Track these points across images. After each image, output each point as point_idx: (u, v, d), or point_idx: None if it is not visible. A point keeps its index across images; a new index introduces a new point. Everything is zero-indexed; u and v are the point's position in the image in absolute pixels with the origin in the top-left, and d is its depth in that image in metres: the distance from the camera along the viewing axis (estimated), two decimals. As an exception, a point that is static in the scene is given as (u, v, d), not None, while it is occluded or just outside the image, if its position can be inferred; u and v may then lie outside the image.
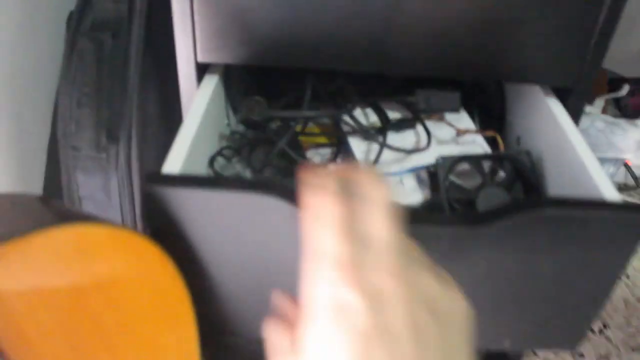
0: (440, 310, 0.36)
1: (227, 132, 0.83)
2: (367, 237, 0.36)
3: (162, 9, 0.76)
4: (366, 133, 0.82)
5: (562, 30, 0.74)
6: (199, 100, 0.72)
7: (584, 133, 1.31)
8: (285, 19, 0.73)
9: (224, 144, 0.81)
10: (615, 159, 1.40)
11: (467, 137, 0.83)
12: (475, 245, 0.55)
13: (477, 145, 0.82)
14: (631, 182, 1.60)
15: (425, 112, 0.85)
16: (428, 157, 0.79)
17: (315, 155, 0.84)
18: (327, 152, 0.85)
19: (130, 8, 0.98)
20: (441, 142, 0.83)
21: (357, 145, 0.82)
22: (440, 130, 0.84)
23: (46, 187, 1.05)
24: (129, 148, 0.96)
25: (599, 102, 1.42)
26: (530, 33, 0.74)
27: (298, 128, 0.84)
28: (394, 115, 0.87)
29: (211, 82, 0.79)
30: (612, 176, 1.46)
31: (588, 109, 1.40)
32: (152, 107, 1.00)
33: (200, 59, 0.77)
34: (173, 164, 0.60)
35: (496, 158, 0.77)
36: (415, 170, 0.79)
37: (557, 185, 0.73)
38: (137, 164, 0.97)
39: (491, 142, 0.83)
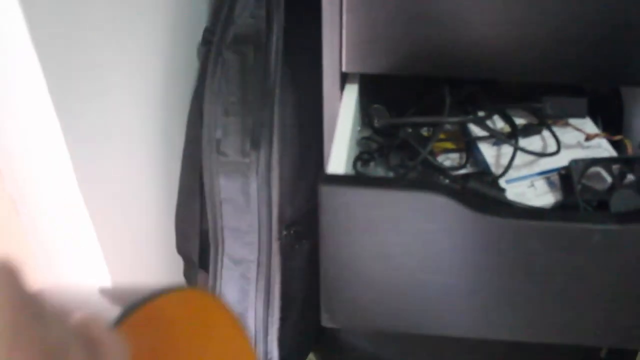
0: None
1: (358, 137, 0.83)
2: None
3: (300, 22, 0.84)
4: (495, 138, 0.81)
5: None
6: (346, 108, 0.73)
7: None
8: (428, 30, 0.71)
9: (357, 149, 0.81)
10: None
11: (593, 142, 0.80)
12: (624, 243, 0.56)
13: (604, 149, 0.80)
14: None
15: (551, 117, 0.82)
16: (557, 161, 0.78)
17: (446, 160, 0.82)
18: (456, 157, 0.83)
19: (268, 23, 0.98)
20: (568, 147, 0.81)
21: (487, 150, 0.80)
22: (566, 135, 0.81)
23: (181, 190, 1.05)
24: (269, 154, 0.96)
25: None
26: None
27: (427, 134, 0.84)
28: (519, 121, 0.84)
29: (353, 90, 0.79)
30: None
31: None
32: (290, 117, 1.00)
33: (345, 68, 0.75)
34: (336, 166, 0.61)
35: (626, 161, 0.75)
36: (545, 174, 0.77)
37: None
38: (276, 169, 0.97)
39: (614, 146, 0.82)
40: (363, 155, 0.79)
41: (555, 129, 0.82)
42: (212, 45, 0.98)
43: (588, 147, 0.81)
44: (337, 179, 0.54)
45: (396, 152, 0.80)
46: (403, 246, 0.57)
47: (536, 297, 0.63)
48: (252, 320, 1.06)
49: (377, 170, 0.78)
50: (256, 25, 0.98)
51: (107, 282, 0.81)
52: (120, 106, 0.83)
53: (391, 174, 0.78)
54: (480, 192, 0.72)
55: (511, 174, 0.77)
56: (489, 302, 0.63)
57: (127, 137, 0.87)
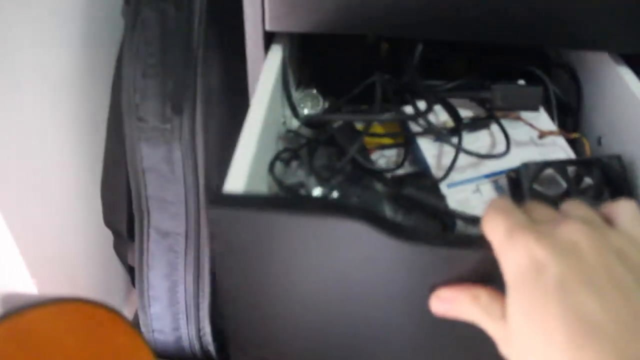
0: (633, 262, 0.32)
1: (282, 130, 0.69)
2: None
3: None
4: (437, 134, 0.66)
5: None
6: (263, 91, 0.61)
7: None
8: None
9: (281, 144, 0.67)
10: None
11: (548, 139, 0.67)
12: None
13: (559, 147, 0.66)
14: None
15: (501, 109, 0.69)
16: (507, 161, 0.64)
17: (381, 158, 0.68)
18: (393, 153, 0.69)
19: None
20: (519, 144, 0.67)
21: (427, 147, 0.66)
22: (517, 130, 0.68)
23: (106, 160, 0.95)
24: (193, 120, 0.86)
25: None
26: None
27: (361, 127, 0.69)
28: (466, 113, 0.70)
29: (276, 57, 0.69)
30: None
31: None
32: (215, 79, 0.89)
33: (268, 27, 0.67)
34: (238, 172, 0.49)
35: (583, 163, 0.62)
36: (493, 176, 0.63)
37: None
38: (201, 136, 0.87)
39: (571, 144, 0.68)
40: (283, 154, 0.63)
41: (506, 122, 0.68)
42: (131, 3, 0.86)
43: (542, 144, 0.67)
44: (226, 200, 0.39)
45: (327, 147, 0.65)
46: (312, 277, 0.43)
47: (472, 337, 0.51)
48: (182, 294, 0.96)
49: (297, 173, 0.62)
50: None
51: (23, 266, 0.72)
52: (34, 71, 0.74)
53: (313, 179, 0.62)
54: (417, 200, 0.58)
55: (454, 176, 0.63)
56: (418, 341, 0.50)
57: (41, 105, 0.77)
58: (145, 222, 0.92)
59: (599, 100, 0.70)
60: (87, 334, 0.45)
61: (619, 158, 0.61)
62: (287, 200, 0.42)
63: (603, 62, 0.69)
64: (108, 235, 1.00)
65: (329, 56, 0.82)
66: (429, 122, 0.66)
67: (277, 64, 0.67)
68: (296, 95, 0.78)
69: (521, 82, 0.71)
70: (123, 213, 0.95)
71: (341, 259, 0.41)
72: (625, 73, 0.65)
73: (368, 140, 0.68)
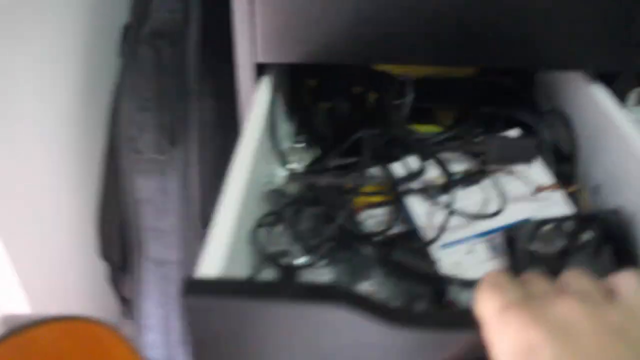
0: (634, 338, 0.30)
1: (267, 188, 0.63)
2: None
3: (218, 16, 0.71)
4: (428, 193, 0.61)
5: (605, 12, 0.63)
6: (249, 135, 0.59)
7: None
8: (345, 15, 0.64)
9: (264, 204, 0.61)
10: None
11: (544, 192, 0.62)
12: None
13: (556, 201, 0.61)
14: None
15: (495, 163, 0.64)
16: (502, 218, 0.59)
17: (370, 218, 0.62)
18: (382, 212, 0.63)
19: (186, 16, 0.88)
20: (514, 199, 0.61)
21: (418, 207, 0.60)
22: (512, 184, 0.63)
23: (102, 192, 0.95)
24: (187, 151, 0.87)
25: (631, 97, 1.24)
26: (575, 19, 0.64)
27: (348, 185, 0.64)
28: (457, 166, 0.65)
29: (265, 95, 0.68)
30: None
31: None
32: (209, 111, 0.89)
33: (260, 58, 0.67)
34: (215, 252, 0.46)
35: (581, 219, 0.57)
36: (487, 235, 0.58)
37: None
38: (196, 167, 0.87)
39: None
40: (266, 218, 0.57)
41: (500, 176, 0.63)
42: (128, 41, 0.89)
43: (538, 198, 0.62)
44: (198, 287, 0.36)
45: (313, 207, 0.60)
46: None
47: None
48: (176, 323, 0.95)
49: (280, 241, 0.57)
50: (173, 19, 0.88)
51: (22, 296, 0.73)
52: (34, 110, 0.76)
53: (298, 246, 0.57)
54: (407, 266, 0.54)
55: (447, 236, 0.58)
56: None
57: (40, 138, 0.79)
58: (140, 252, 0.91)
59: (595, 148, 0.66)
60: (88, 350, 0.45)
61: (617, 212, 0.57)
62: (263, 286, 0.39)
63: (598, 108, 0.65)
64: (102, 267, 0.99)
65: (317, 107, 0.79)
66: (416, 178, 0.62)
67: (265, 106, 0.65)
68: (283, 147, 0.74)
69: (514, 132, 0.67)
70: (117, 244, 0.94)
71: (324, 346, 0.38)
72: (622, 121, 0.61)
73: (356, 199, 0.64)
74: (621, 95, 0.70)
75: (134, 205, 0.90)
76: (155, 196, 0.89)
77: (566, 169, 0.68)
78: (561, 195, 0.61)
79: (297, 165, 0.71)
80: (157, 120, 0.87)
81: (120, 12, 0.92)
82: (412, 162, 0.64)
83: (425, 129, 0.76)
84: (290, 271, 0.54)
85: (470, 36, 0.66)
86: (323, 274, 0.55)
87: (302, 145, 0.74)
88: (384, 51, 0.67)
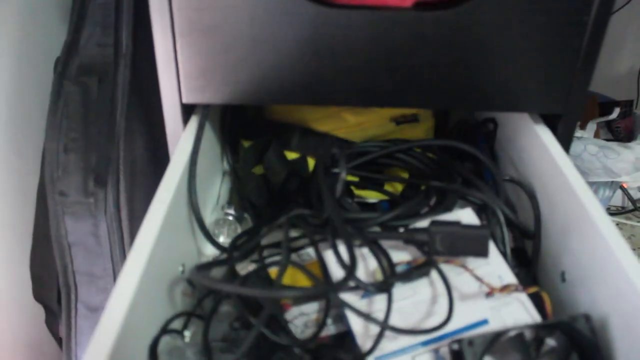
0: None
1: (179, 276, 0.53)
2: None
3: (148, 51, 0.64)
4: (364, 289, 0.52)
5: (546, 56, 0.63)
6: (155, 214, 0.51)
7: (577, 159, 1.12)
8: (269, 56, 0.63)
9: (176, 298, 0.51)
10: (610, 182, 1.22)
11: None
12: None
13: (515, 301, 0.51)
14: (629, 204, 1.42)
15: (441, 254, 0.54)
16: (449, 323, 0.49)
17: (299, 317, 0.53)
18: (314, 309, 0.53)
19: (116, 51, 0.82)
20: (465, 297, 0.52)
21: (352, 305, 0.50)
22: (462, 278, 0.53)
23: (35, 234, 0.88)
24: (117, 192, 0.81)
25: (591, 126, 1.22)
26: (516, 62, 0.63)
27: (273, 273, 0.55)
28: (400, 256, 0.55)
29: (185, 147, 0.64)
30: (608, 200, 1.28)
31: (580, 133, 1.21)
32: (139, 150, 0.84)
33: (185, 99, 0.65)
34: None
35: (544, 327, 0.48)
36: (432, 343, 0.48)
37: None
38: (126, 208, 0.82)
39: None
40: (173, 322, 0.47)
41: (450, 269, 0.54)
42: (54, 78, 0.82)
43: (494, 297, 0.52)
44: None
45: (235, 301, 0.49)
46: None
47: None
48: None
49: (187, 355, 0.45)
50: (102, 54, 0.83)
51: None
52: None
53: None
54: None
55: (385, 345, 0.48)
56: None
57: None
58: (73, 297, 0.86)
59: (560, 225, 0.58)
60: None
61: (587, 318, 0.47)
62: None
63: (560, 183, 0.57)
64: (39, 310, 0.93)
65: (250, 172, 0.72)
66: (351, 271, 0.51)
67: (184, 164, 0.60)
68: (210, 218, 0.67)
69: (466, 214, 0.58)
70: (53, 287, 0.88)
71: None
72: (589, 201, 0.53)
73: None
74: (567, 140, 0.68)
75: (65, 248, 0.84)
76: (87, 239, 0.83)
77: (528, 247, 0.61)
78: (522, 295, 0.52)
79: (224, 239, 0.64)
80: (82, 161, 0.81)
81: (58, 43, 0.85)
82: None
83: (371, 195, 0.71)
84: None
85: (408, 78, 0.64)
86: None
87: (231, 216, 0.66)
88: (309, 92, 0.65)
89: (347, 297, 0.52)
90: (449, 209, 0.61)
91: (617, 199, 1.42)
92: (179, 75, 0.65)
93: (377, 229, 0.60)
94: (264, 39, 0.63)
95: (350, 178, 0.72)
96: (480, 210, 0.62)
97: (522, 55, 0.63)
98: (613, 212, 1.42)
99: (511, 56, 0.63)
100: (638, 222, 1.40)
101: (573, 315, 0.48)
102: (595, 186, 1.19)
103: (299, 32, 0.62)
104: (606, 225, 0.49)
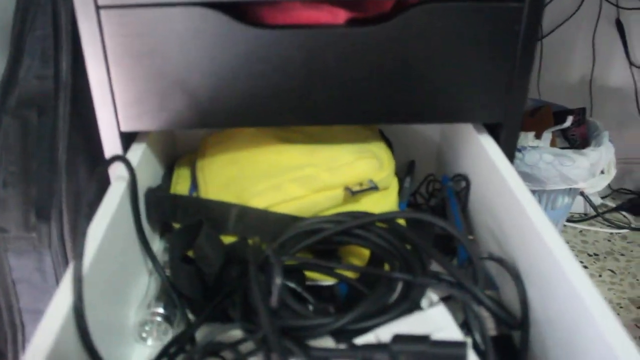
0: None
1: None
2: None
3: (87, 81, 0.63)
4: None
5: (481, 66, 0.63)
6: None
7: (534, 168, 1.12)
8: (201, 81, 0.62)
9: None
10: (568, 189, 1.22)
11: None
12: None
13: None
14: (591, 211, 1.43)
15: None
16: None
17: None
18: None
19: (56, 83, 0.80)
20: None
21: None
22: None
23: None
24: (61, 225, 0.79)
25: (547, 136, 1.22)
26: (452, 73, 0.63)
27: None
28: None
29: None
30: (568, 207, 1.28)
31: (536, 143, 1.21)
32: (83, 181, 0.81)
33: (123, 127, 0.65)
34: None
35: None
36: None
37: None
38: (70, 241, 0.79)
39: None
40: None
41: None
42: None
43: None
44: None
45: None
46: None
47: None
48: None
49: None
50: (42, 87, 0.81)
51: None
52: None
53: None
54: None
55: None
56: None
57: None
58: (20, 337, 0.82)
59: (550, 314, 0.49)
60: None
61: None
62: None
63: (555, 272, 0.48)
64: None
65: (182, 266, 0.61)
66: None
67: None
68: (135, 317, 0.59)
69: (435, 310, 0.49)
70: (1, 329, 0.83)
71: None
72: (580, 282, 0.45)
73: None
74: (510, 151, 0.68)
75: (10, 286, 0.80)
76: (32, 275, 0.80)
77: (511, 343, 0.53)
78: None
79: (153, 342, 0.58)
80: (22, 196, 0.78)
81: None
82: None
83: (326, 278, 0.62)
84: None
85: (345, 94, 0.63)
86: None
87: (160, 316, 0.58)
88: (246, 114, 0.64)
89: None
90: (416, 303, 0.51)
91: (579, 206, 1.42)
92: (115, 103, 0.64)
93: (329, 340, 0.50)
94: (197, 63, 0.61)
95: (301, 257, 0.63)
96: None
97: (457, 66, 0.62)
98: (576, 219, 1.43)
99: (445, 67, 0.62)
100: (601, 227, 1.40)
101: None
102: (554, 195, 1.19)
103: (231, 55, 0.61)
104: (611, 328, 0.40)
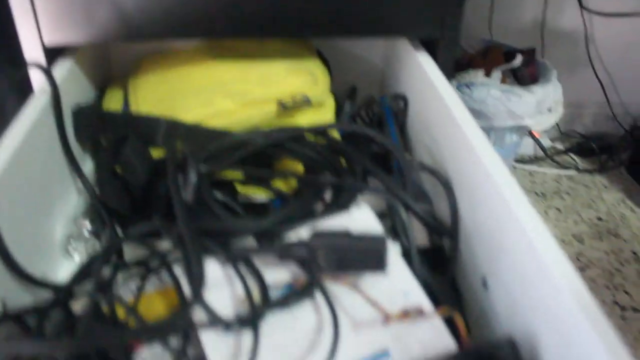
0: None
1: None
2: None
3: None
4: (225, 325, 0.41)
5: None
6: None
7: (482, 104, 1.12)
8: None
9: None
10: (517, 127, 1.22)
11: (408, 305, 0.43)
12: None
13: (422, 325, 0.42)
14: (541, 153, 1.44)
15: (329, 272, 0.45)
16: (343, 357, 0.40)
17: (150, 358, 0.42)
18: (170, 348, 0.43)
19: None
20: (361, 324, 0.42)
21: (215, 344, 0.41)
22: (357, 301, 0.44)
23: None
24: None
25: (496, 74, 1.22)
26: None
27: (122, 310, 0.44)
28: (276, 275, 0.45)
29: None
30: (517, 146, 1.29)
31: (486, 80, 1.21)
32: (9, 100, 0.78)
33: (47, 40, 0.62)
34: None
35: (461, 358, 0.40)
36: None
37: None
38: None
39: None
40: None
41: (341, 290, 0.45)
42: None
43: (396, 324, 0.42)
44: None
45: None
46: None
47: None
48: None
49: None
50: None
51: None
52: None
53: None
54: None
55: None
56: None
57: None
58: None
59: (479, 222, 0.49)
60: None
61: (511, 345, 0.40)
62: None
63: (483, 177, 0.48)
64: None
65: (108, 173, 0.60)
66: (209, 310, 0.42)
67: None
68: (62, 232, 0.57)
69: (361, 212, 0.49)
70: None
71: None
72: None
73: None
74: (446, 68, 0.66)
75: None
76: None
77: (443, 254, 0.52)
78: (430, 317, 0.43)
79: (80, 258, 0.56)
80: None
81: None
82: (212, 268, 0.45)
83: (259, 193, 0.60)
84: None
85: (277, 6, 0.61)
86: None
87: (87, 231, 0.57)
88: (173, 24, 0.62)
89: (207, 336, 0.42)
90: (345, 206, 0.51)
91: (529, 149, 1.43)
92: (37, 14, 0.61)
93: (252, 241, 0.50)
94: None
95: (232, 175, 0.61)
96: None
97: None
98: (526, 161, 1.44)
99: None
100: (549, 169, 1.42)
101: (495, 342, 0.40)
102: (502, 132, 1.19)
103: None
104: (533, 225, 0.40)
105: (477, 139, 0.50)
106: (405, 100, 0.70)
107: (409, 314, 0.42)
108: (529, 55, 1.29)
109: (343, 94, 0.77)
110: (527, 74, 1.29)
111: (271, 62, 0.67)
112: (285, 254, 0.45)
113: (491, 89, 1.13)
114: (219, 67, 0.67)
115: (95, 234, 0.57)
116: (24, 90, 0.62)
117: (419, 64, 0.64)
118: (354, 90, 0.82)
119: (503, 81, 1.23)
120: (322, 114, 0.68)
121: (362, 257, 0.44)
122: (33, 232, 0.50)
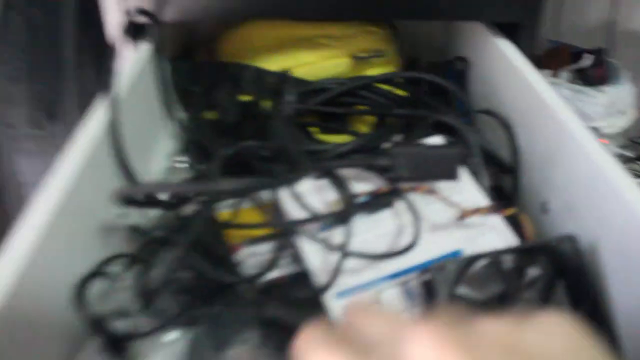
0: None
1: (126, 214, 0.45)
2: None
3: None
4: (321, 223, 0.45)
5: None
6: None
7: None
8: None
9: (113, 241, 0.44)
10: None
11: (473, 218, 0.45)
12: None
13: (491, 228, 0.45)
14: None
15: (407, 180, 0.47)
16: (420, 253, 0.43)
17: (251, 257, 0.46)
18: (267, 249, 0.46)
19: None
20: (436, 227, 0.45)
21: (309, 242, 0.44)
22: (433, 206, 0.46)
23: None
24: (70, 126, 0.75)
25: (564, 75, 1.20)
26: None
27: (225, 215, 0.47)
28: (361, 186, 0.48)
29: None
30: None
31: (555, 80, 1.18)
32: (91, 82, 0.76)
33: (132, 17, 0.58)
34: None
35: (525, 252, 0.41)
36: (399, 277, 0.42)
37: (621, 283, 0.39)
38: None
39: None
40: (108, 265, 0.40)
41: (418, 199, 0.46)
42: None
43: (470, 226, 0.45)
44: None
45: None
46: None
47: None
48: None
49: (118, 297, 0.40)
50: None
51: None
52: None
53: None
54: (287, 325, 0.38)
55: (346, 279, 0.41)
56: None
57: None
58: None
59: (540, 154, 0.51)
60: None
61: (571, 239, 0.41)
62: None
63: (540, 111, 0.51)
64: None
65: (201, 117, 0.63)
66: (307, 207, 0.45)
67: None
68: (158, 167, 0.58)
69: (436, 140, 0.51)
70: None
71: None
72: (573, 123, 0.47)
73: (232, 233, 0.46)
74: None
75: (17, 189, 0.77)
76: (41, 179, 0.78)
77: (506, 184, 0.53)
78: (498, 220, 0.45)
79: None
80: (28, 92, 0.74)
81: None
82: (304, 182, 0.48)
83: (335, 140, 0.61)
84: (119, 341, 0.37)
85: None
86: (173, 343, 0.38)
87: (184, 164, 0.58)
88: (264, 4, 0.61)
89: (303, 239, 0.45)
90: (419, 138, 0.54)
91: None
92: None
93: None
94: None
95: (309, 120, 0.65)
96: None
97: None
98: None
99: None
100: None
101: (556, 237, 0.41)
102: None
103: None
104: (591, 144, 0.44)
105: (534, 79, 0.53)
106: (465, 61, 0.72)
107: (482, 210, 0.45)
108: (598, 55, 1.25)
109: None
110: (595, 75, 1.25)
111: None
112: (370, 163, 0.48)
113: (561, 89, 1.09)
114: (299, 25, 0.70)
115: (192, 167, 0.59)
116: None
117: (499, 51, 0.61)
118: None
119: (569, 82, 1.20)
120: (390, 69, 0.72)
121: (437, 166, 0.47)
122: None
